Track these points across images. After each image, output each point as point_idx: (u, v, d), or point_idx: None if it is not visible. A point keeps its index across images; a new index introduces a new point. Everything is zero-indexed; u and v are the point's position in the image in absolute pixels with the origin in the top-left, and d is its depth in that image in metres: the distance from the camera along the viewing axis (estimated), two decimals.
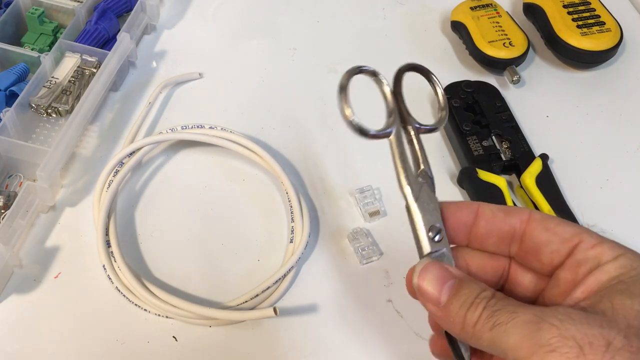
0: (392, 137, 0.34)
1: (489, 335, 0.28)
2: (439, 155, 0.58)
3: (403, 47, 0.68)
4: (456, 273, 0.31)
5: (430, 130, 0.35)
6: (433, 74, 0.36)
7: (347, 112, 0.33)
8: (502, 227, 0.33)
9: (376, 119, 0.35)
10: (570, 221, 0.32)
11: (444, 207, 0.34)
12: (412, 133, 0.34)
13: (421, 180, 0.34)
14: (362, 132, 0.33)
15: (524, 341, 0.26)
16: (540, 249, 0.32)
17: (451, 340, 0.32)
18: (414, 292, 0.32)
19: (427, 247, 0.33)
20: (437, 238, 0.33)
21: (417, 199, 0.33)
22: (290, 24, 0.69)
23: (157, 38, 0.66)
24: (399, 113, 0.35)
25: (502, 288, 0.35)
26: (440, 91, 0.36)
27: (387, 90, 0.34)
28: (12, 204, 0.47)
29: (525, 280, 0.34)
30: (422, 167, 0.34)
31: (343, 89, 0.33)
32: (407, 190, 0.33)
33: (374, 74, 0.34)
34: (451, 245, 0.34)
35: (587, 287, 0.28)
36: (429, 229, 0.33)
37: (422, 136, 0.35)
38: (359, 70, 0.34)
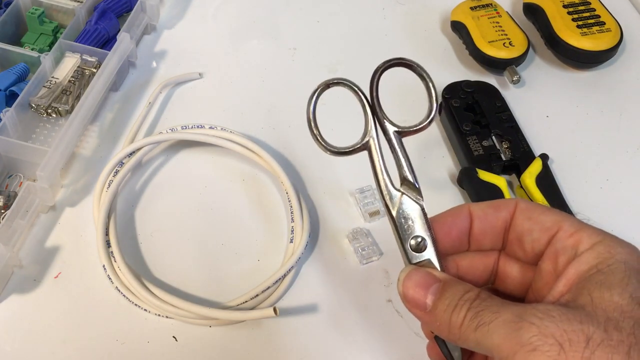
0: (366, 150, 0.34)
1: (474, 336, 0.28)
2: (439, 155, 0.58)
3: (403, 47, 0.68)
4: (440, 276, 0.31)
5: (415, 130, 0.34)
6: (418, 65, 0.34)
7: (320, 147, 0.34)
8: (495, 223, 0.33)
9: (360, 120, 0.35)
10: (555, 209, 0.32)
11: (438, 221, 0.34)
12: (393, 139, 0.34)
13: (403, 190, 0.33)
14: (340, 154, 0.34)
15: (506, 341, 0.26)
16: (522, 237, 0.32)
17: (442, 343, 0.32)
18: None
19: (409, 257, 0.33)
20: (420, 246, 0.33)
21: (395, 211, 0.33)
22: (290, 24, 0.69)
23: (157, 38, 0.66)
24: (377, 120, 0.34)
25: (494, 283, 0.35)
26: (427, 80, 0.34)
27: (363, 99, 0.34)
28: (12, 204, 0.48)
29: (513, 271, 0.34)
30: (404, 175, 0.34)
31: (311, 121, 0.33)
32: (383, 203, 0.34)
33: (343, 84, 0.34)
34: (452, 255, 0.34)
35: (568, 278, 0.28)
36: (410, 239, 0.33)
37: (412, 137, 0.34)
38: (325, 86, 0.34)
